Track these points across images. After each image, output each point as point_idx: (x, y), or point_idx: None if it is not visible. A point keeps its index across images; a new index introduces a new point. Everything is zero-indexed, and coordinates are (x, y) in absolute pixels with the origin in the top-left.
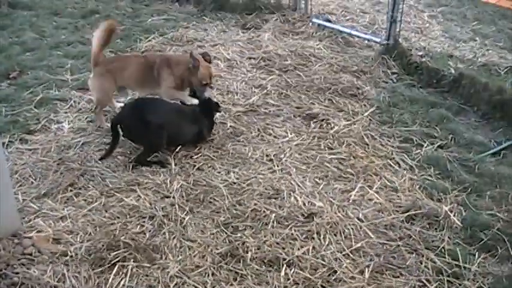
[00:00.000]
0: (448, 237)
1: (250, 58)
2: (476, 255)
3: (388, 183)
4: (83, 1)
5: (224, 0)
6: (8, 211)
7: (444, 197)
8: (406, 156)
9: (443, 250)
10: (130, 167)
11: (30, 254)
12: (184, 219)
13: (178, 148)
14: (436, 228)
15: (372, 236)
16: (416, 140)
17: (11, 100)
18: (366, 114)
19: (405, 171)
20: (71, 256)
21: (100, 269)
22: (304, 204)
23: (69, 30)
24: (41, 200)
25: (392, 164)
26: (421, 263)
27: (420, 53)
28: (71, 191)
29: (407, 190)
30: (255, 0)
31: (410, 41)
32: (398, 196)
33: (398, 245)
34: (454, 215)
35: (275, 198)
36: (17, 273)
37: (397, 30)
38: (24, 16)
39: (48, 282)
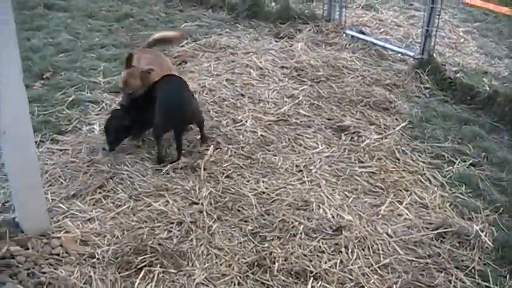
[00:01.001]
0: (479, 258)
1: (282, 67)
2: (508, 277)
3: (419, 200)
4: (118, 4)
5: (258, 9)
6: (37, 210)
7: (475, 216)
8: (437, 172)
9: (473, 270)
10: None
11: (58, 255)
12: (212, 226)
13: (209, 154)
14: (466, 248)
15: (401, 252)
16: (448, 157)
17: (43, 100)
18: (398, 128)
19: (436, 188)
20: (98, 258)
21: (126, 273)
22: (333, 217)
23: (103, 33)
24: (70, 201)
25: (423, 180)
26: (450, 282)
27: (454, 69)
28: (99, 193)
29: (438, 207)
30: (288, 9)
31: (445, 56)
32: (428, 213)
33: (427, 263)
34: (485, 235)
35: (304, 210)
36: (44, 272)
37: (432, 44)
38: (59, 18)
39: (75, 283)
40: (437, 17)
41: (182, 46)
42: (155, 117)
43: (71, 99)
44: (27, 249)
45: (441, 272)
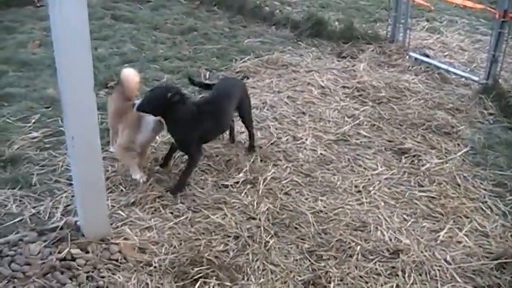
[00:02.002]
0: None
1: (344, 87)
2: None
3: (479, 228)
4: (182, 18)
5: (321, 27)
6: (99, 216)
7: None
8: (499, 201)
9: None
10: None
11: (117, 260)
12: (268, 242)
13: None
14: None
15: (459, 280)
16: (510, 186)
17: (107, 108)
18: (459, 154)
19: (497, 217)
20: (155, 267)
21: (182, 283)
22: (390, 240)
23: (167, 45)
24: (129, 209)
25: (484, 208)
26: None
27: None
28: (158, 202)
29: (499, 237)
30: (352, 29)
31: (510, 83)
32: (488, 242)
33: None
34: None
35: (361, 231)
36: (103, 277)
37: (497, 70)
38: (125, 28)
39: None
40: (505, 42)
41: (244, 62)
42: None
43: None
44: (87, 252)
45: None
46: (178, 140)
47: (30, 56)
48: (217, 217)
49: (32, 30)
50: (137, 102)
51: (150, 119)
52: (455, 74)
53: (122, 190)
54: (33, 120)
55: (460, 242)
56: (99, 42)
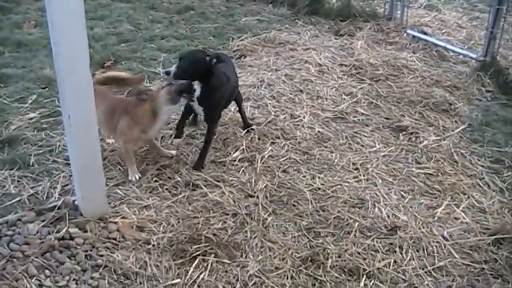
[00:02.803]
0: None
1: (341, 65)
2: None
3: (476, 204)
4: None
5: (318, 5)
6: (97, 194)
7: None
8: (496, 177)
9: None
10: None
11: (115, 239)
12: (266, 219)
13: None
14: None
15: (456, 256)
16: (508, 162)
17: None
18: (457, 131)
19: (495, 193)
20: (153, 245)
21: (181, 261)
22: (388, 217)
23: (164, 24)
24: (127, 187)
25: (481, 184)
26: None
27: None
28: (155, 181)
29: (496, 213)
30: (349, 7)
31: (508, 60)
32: (486, 218)
33: (483, 268)
34: None
35: (359, 208)
36: (101, 255)
37: (496, 47)
38: (121, 8)
39: (130, 267)
40: (503, 19)
41: (242, 40)
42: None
43: (130, 88)
44: (86, 231)
45: (497, 278)
46: (210, 106)
47: (26, 36)
48: (215, 195)
49: (27, 10)
50: (171, 69)
51: (170, 108)
52: (453, 51)
53: (119, 169)
54: (30, 101)
55: (457, 218)
56: (95, 22)
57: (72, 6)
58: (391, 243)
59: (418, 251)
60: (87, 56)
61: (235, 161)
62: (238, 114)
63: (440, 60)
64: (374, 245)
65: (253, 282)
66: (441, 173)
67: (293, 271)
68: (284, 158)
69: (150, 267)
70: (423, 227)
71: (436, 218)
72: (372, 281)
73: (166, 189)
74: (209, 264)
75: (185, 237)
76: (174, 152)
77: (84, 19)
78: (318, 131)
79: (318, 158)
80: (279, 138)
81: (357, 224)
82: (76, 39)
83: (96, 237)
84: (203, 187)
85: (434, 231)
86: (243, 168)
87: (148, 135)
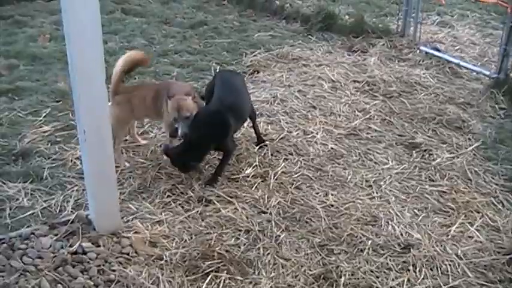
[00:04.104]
0: None
1: (354, 81)
2: None
3: (490, 222)
4: (192, 12)
5: (331, 21)
6: (110, 210)
7: None
8: (510, 196)
9: None
10: None
11: (128, 254)
12: (279, 236)
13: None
14: None
15: (470, 275)
16: None
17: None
18: (471, 148)
19: (509, 212)
20: (166, 261)
21: (193, 277)
22: (401, 235)
23: (177, 39)
24: (140, 202)
25: (495, 202)
26: None
27: None
28: (168, 196)
29: (510, 232)
30: (362, 23)
31: None
32: (500, 237)
33: None
34: None
35: (372, 225)
36: (114, 270)
37: (509, 64)
38: (135, 22)
39: (143, 283)
40: None
41: (255, 55)
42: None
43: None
44: (99, 246)
45: None
46: (218, 146)
47: (41, 49)
48: (228, 211)
49: (42, 24)
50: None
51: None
52: (466, 68)
53: (131, 184)
54: (44, 114)
55: (471, 237)
56: (109, 36)
57: (89, 20)
58: (405, 262)
59: (431, 270)
60: (103, 71)
61: (248, 177)
62: (252, 130)
63: (453, 77)
64: (387, 263)
65: None
66: (455, 191)
67: None
68: (297, 175)
69: (163, 283)
70: (437, 246)
71: (449, 237)
72: None
73: (179, 204)
74: (222, 281)
75: (198, 253)
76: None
77: (100, 33)
78: (331, 148)
79: (331, 175)
80: (292, 154)
81: (370, 241)
82: (92, 54)
83: (109, 252)
84: (216, 203)
85: (448, 250)
86: (256, 185)
87: None
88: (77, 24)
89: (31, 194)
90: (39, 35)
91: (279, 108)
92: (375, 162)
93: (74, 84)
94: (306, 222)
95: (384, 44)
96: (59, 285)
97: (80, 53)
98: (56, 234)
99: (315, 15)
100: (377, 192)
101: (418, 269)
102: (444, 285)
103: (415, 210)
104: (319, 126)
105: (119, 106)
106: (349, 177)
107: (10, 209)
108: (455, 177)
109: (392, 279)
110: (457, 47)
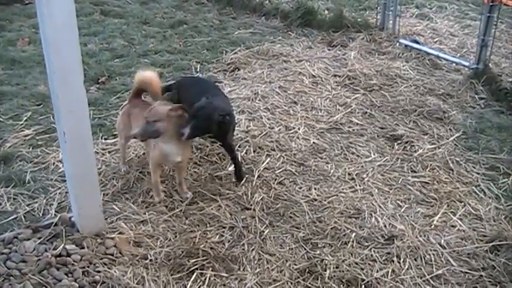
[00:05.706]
0: None
1: (335, 75)
2: None
3: (473, 211)
4: (172, 11)
5: (311, 17)
6: (93, 211)
7: None
8: (492, 184)
9: None
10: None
11: (112, 255)
12: (263, 232)
13: (262, 160)
14: None
15: (454, 264)
16: (503, 169)
17: (99, 104)
18: (452, 139)
19: (491, 200)
20: (151, 260)
21: (178, 275)
22: (385, 226)
23: (157, 39)
24: (123, 203)
25: (477, 191)
26: None
27: (510, 79)
28: (152, 196)
29: (493, 219)
30: (341, 18)
31: (501, 67)
32: (482, 225)
33: (481, 276)
34: None
35: (356, 218)
36: (99, 271)
37: (488, 54)
38: (115, 24)
39: (128, 283)
40: (494, 27)
41: (235, 53)
42: None
43: (125, 103)
44: (83, 248)
45: (496, 285)
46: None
47: (20, 53)
48: (211, 208)
49: (20, 27)
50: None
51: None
52: (445, 59)
53: (114, 185)
54: (25, 118)
55: (454, 226)
56: (88, 38)
57: (65, 22)
58: (389, 253)
59: (415, 260)
60: (81, 72)
61: (231, 174)
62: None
63: (433, 68)
64: (371, 255)
65: None
66: (437, 181)
67: (291, 283)
68: (280, 170)
69: (148, 282)
70: (420, 236)
71: (432, 227)
72: None
73: (163, 204)
74: (207, 278)
75: (182, 252)
76: None
77: (77, 35)
78: (313, 142)
79: (314, 169)
80: (274, 150)
81: (353, 234)
82: (69, 55)
83: (93, 254)
84: (199, 201)
85: (431, 240)
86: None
87: None
88: (53, 26)
89: (14, 199)
90: (17, 39)
91: (260, 104)
92: (357, 156)
93: (52, 86)
94: (290, 217)
95: (363, 38)
96: None
97: (57, 56)
98: (40, 238)
99: (294, 11)
100: (360, 185)
101: (402, 259)
102: (428, 275)
103: (398, 201)
104: (301, 121)
105: (122, 115)
106: (332, 171)
107: None
108: (437, 167)
109: (377, 271)
110: (436, 39)
